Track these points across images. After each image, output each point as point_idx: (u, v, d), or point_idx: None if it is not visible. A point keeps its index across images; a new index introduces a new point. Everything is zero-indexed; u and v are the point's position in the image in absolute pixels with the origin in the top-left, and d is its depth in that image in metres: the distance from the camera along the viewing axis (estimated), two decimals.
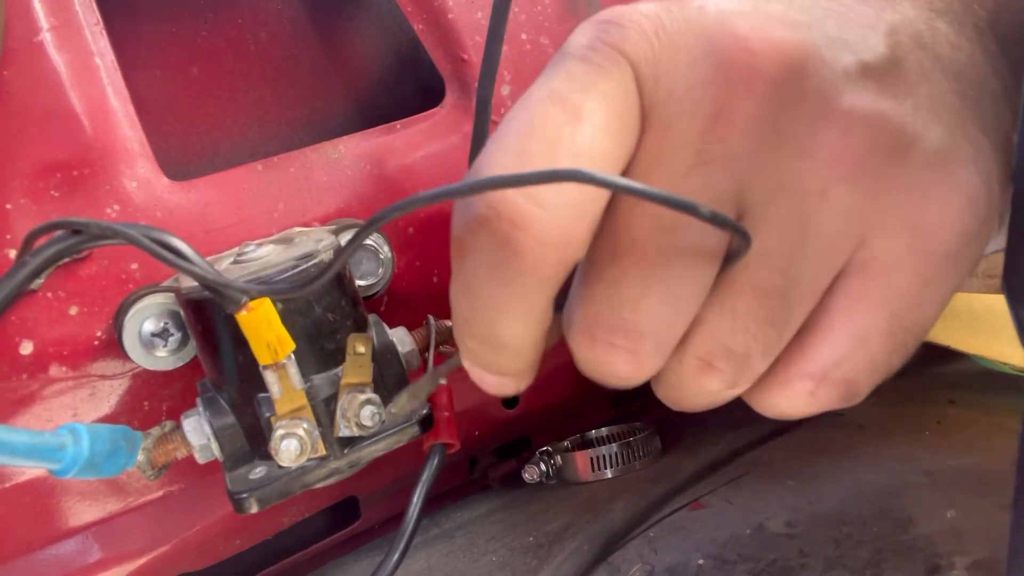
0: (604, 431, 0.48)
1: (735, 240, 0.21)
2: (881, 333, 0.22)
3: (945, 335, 0.42)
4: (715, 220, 0.19)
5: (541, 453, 0.46)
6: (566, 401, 0.46)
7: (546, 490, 0.46)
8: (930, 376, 0.48)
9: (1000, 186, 0.22)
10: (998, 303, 0.41)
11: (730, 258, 0.21)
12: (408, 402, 0.28)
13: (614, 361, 0.23)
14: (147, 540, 0.36)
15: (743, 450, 0.42)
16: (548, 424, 0.48)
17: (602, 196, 0.21)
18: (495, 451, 0.50)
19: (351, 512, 0.45)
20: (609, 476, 0.44)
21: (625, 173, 0.22)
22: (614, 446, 0.45)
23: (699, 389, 0.24)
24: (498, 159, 0.21)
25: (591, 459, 0.45)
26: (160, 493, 0.36)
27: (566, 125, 0.21)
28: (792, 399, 0.23)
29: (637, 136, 0.22)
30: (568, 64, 0.22)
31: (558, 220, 0.20)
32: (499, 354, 0.24)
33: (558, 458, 0.46)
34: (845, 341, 0.22)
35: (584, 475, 0.45)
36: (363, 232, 0.21)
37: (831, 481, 0.35)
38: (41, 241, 0.25)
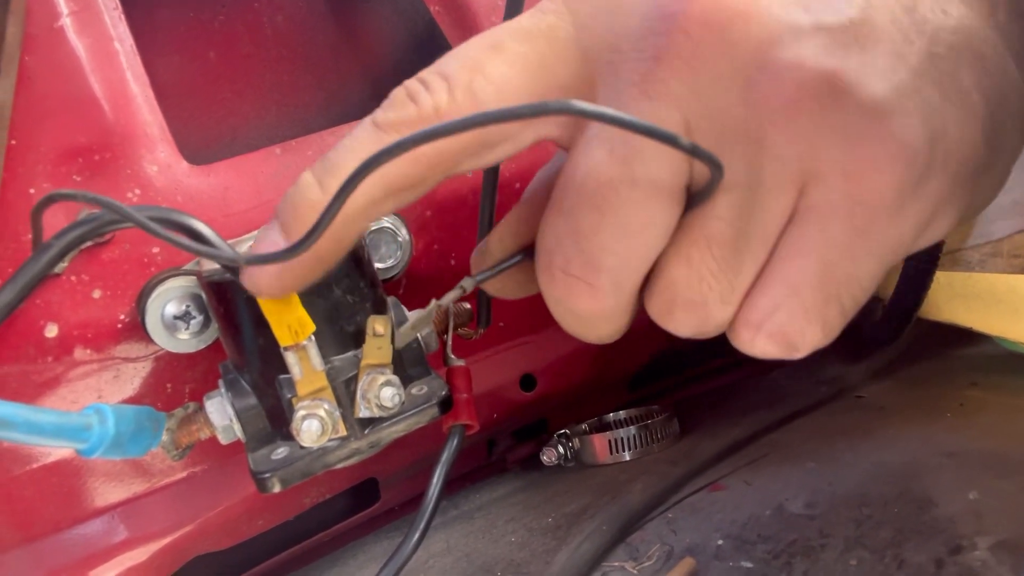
0: (622, 414, 0.49)
1: (695, 182, 0.22)
2: (813, 283, 0.22)
3: (966, 316, 0.42)
4: (694, 151, 0.19)
5: (559, 436, 0.46)
6: (583, 384, 0.46)
7: (564, 472, 0.46)
8: (951, 359, 0.47)
9: (963, 151, 0.22)
10: (1021, 283, 0.41)
11: (699, 195, 0.22)
12: (410, 332, 0.28)
13: (571, 295, 0.24)
14: (171, 520, 0.36)
15: (762, 432, 0.42)
16: (565, 407, 0.48)
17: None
18: (513, 434, 0.50)
19: (371, 494, 0.45)
20: (627, 458, 0.44)
21: (583, 120, 0.23)
22: (632, 428, 0.45)
23: (672, 328, 0.24)
24: (414, 81, 0.24)
25: (609, 441, 0.45)
26: (184, 474, 0.37)
27: (485, 54, 0.24)
28: (740, 343, 0.24)
29: (561, 76, 0.24)
30: (528, 11, 0.25)
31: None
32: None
33: (576, 441, 0.46)
34: (780, 290, 0.22)
35: (602, 457, 0.45)
36: (357, 176, 0.20)
37: (851, 462, 0.35)
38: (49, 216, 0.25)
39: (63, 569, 0.35)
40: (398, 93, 0.24)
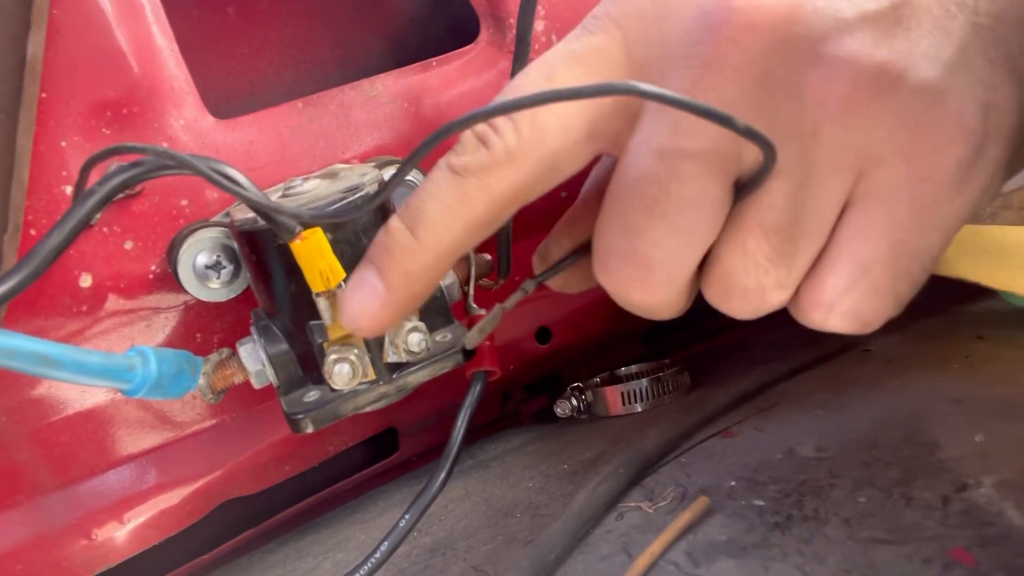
0: (634, 367, 0.50)
1: (743, 176, 0.23)
2: (883, 260, 0.23)
3: (974, 270, 0.42)
4: (748, 133, 0.20)
5: (572, 388, 0.47)
6: (597, 338, 0.47)
7: (578, 424, 0.47)
8: (958, 313, 0.48)
9: (1016, 115, 0.22)
10: None
11: (751, 183, 0.22)
12: (478, 335, 0.30)
13: (628, 290, 0.25)
14: (202, 465, 0.38)
15: (771, 383, 0.43)
16: (579, 361, 0.49)
17: (564, 133, 0.24)
18: (526, 388, 0.51)
19: (390, 444, 0.46)
20: (639, 410, 0.45)
21: (635, 125, 0.24)
22: (644, 381, 0.46)
23: (730, 312, 0.25)
24: (483, 125, 0.24)
25: (622, 393, 0.46)
26: (214, 421, 0.38)
27: (542, 84, 0.25)
28: (812, 323, 0.25)
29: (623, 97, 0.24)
30: (573, 32, 0.25)
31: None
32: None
33: (589, 393, 0.47)
34: (849, 270, 0.23)
35: (615, 409, 0.46)
36: (419, 153, 0.22)
37: (860, 410, 0.36)
38: (99, 170, 0.26)
39: (99, 511, 0.37)
40: (469, 138, 0.24)
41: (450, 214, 0.24)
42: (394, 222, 0.25)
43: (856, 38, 0.22)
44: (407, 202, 0.25)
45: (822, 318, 0.24)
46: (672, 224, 0.23)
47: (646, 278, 0.24)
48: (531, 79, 0.25)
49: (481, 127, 0.24)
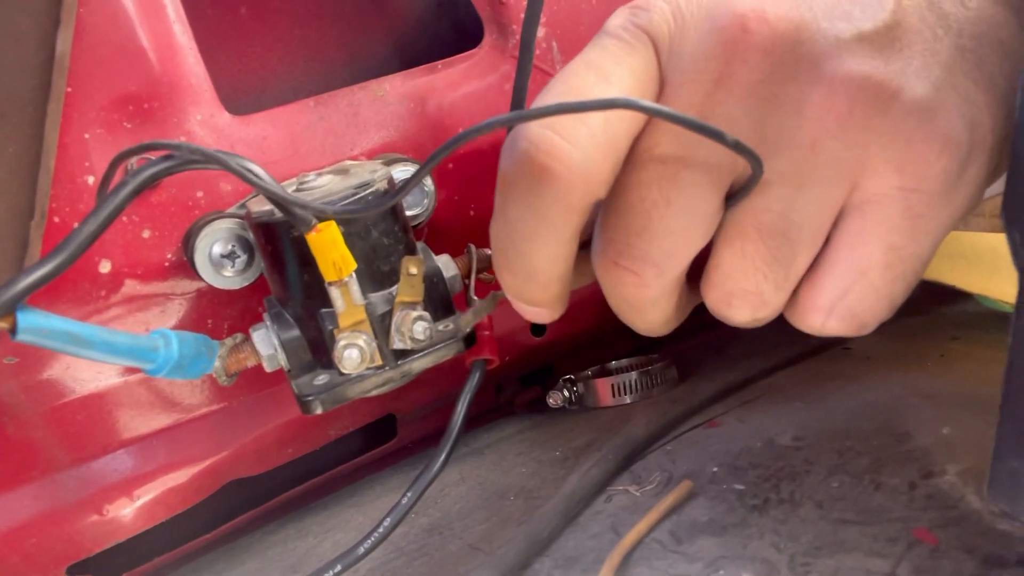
0: (624, 361, 0.52)
1: (736, 181, 0.25)
2: (880, 264, 0.25)
3: (951, 274, 0.44)
4: (737, 147, 0.22)
5: (564, 380, 0.49)
6: (590, 332, 0.49)
7: (569, 414, 0.49)
8: (935, 315, 0.50)
9: (996, 131, 0.24)
10: (1002, 243, 0.43)
11: (740, 192, 0.24)
12: (473, 318, 0.32)
13: (622, 283, 0.27)
14: (209, 446, 0.39)
15: (755, 378, 0.45)
16: (572, 354, 0.51)
17: (623, 140, 0.25)
18: (519, 379, 0.53)
19: (389, 430, 0.48)
20: (628, 402, 0.47)
21: (642, 132, 0.26)
22: (633, 374, 0.48)
23: (731, 317, 0.27)
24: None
25: (612, 386, 0.48)
26: (222, 404, 0.39)
27: (597, 86, 0.25)
28: (810, 327, 0.27)
29: (651, 95, 0.26)
30: (604, 40, 0.26)
31: (585, 154, 0.24)
32: (530, 285, 0.28)
33: (580, 385, 0.49)
34: (848, 274, 0.25)
35: (605, 400, 0.48)
36: (437, 155, 0.23)
37: (837, 402, 0.38)
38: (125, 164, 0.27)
39: (111, 488, 0.38)
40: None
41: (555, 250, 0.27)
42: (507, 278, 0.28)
43: (853, 57, 0.23)
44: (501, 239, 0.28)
45: (821, 321, 0.26)
46: (667, 226, 0.25)
47: (640, 273, 0.26)
48: (587, 81, 0.25)
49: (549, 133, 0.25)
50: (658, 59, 0.26)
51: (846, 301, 0.26)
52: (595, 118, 0.24)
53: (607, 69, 0.25)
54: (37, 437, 0.37)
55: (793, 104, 0.24)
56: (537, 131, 0.24)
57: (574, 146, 0.24)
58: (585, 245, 0.30)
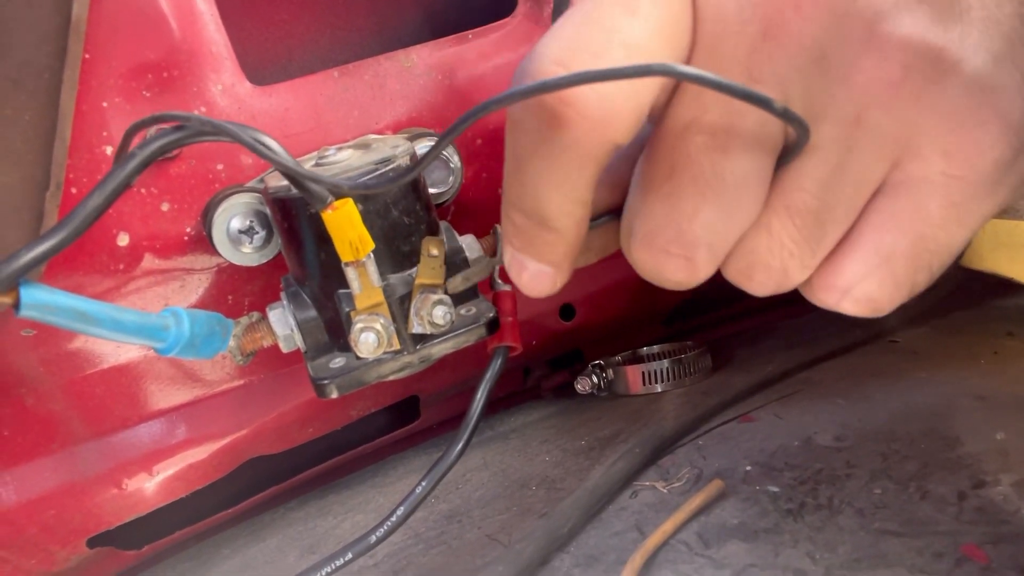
0: (656, 348, 0.50)
1: (784, 148, 0.22)
2: (906, 253, 0.23)
3: (1009, 266, 0.42)
4: (785, 115, 0.20)
5: (594, 366, 0.48)
6: (620, 318, 0.48)
7: (597, 401, 0.47)
8: (989, 308, 0.47)
9: None
10: None
11: (785, 155, 0.22)
12: (462, 283, 0.30)
13: (671, 268, 0.25)
14: (230, 423, 0.39)
15: (794, 370, 0.43)
16: (601, 339, 0.49)
17: (650, 89, 0.22)
18: (548, 363, 0.52)
19: (412, 411, 0.47)
20: (659, 391, 0.46)
21: (679, 93, 0.23)
22: (665, 362, 0.46)
23: (750, 289, 0.25)
24: (553, 46, 0.22)
25: (643, 373, 0.46)
26: (243, 382, 0.39)
27: (623, 16, 0.22)
28: (822, 303, 0.25)
29: (687, 48, 0.23)
30: None
31: (602, 100, 0.22)
32: (541, 232, 0.25)
33: (610, 371, 0.47)
34: (871, 258, 0.23)
35: (635, 388, 0.47)
36: (457, 127, 0.22)
37: (881, 401, 0.36)
38: (139, 135, 0.26)
39: (130, 462, 0.38)
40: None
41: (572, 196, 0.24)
42: (519, 218, 0.25)
43: (911, 19, 0.21)
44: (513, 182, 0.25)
45: (835, 300, 0.24)
46: (721, 206, 0.23)
47: (692, 257, 0.24)
48: (610, 11, 0.22)
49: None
50: (692, 2, 0.22)
51: (865, 285, 0.24)
52: (616, 54, 0.21)
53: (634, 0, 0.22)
54: (56, 410, 0.36)
55: (843, 70, 0.21)
56: (546, 68, 0.22)
57: (591, 89, 0.21)
58: (595, 218, 0.28)
